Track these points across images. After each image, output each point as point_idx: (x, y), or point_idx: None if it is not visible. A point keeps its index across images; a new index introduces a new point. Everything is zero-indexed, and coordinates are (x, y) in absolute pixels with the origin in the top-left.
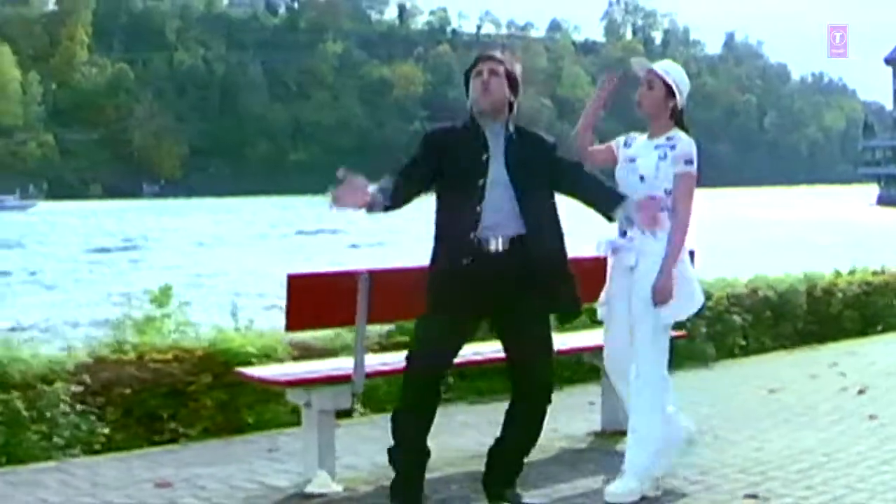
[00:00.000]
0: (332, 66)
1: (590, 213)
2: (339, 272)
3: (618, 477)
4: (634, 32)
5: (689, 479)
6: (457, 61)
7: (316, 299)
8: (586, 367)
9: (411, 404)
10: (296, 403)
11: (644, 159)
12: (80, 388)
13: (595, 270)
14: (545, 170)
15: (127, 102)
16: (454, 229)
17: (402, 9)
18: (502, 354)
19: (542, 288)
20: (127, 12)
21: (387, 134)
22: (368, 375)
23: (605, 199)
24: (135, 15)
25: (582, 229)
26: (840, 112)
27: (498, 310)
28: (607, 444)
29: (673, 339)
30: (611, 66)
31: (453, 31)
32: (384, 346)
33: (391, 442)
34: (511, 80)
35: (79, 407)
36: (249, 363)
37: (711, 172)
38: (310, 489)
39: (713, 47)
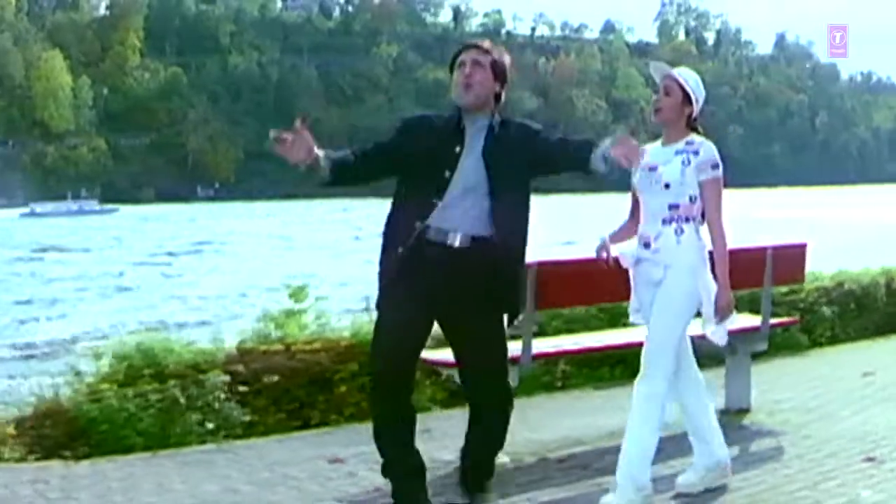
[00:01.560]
0: (386, 70)
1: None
2: None
3: (611, 491)
4: (687, 33)
5: (812, 448)
6: (512, 64)
7: None
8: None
9: (386, 417)
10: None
11: (666, 166)
12: (229, 378)
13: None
14: (526, 163)
15: (180, 106)
16: (404, 218)
17: (456, 11)
18: (620, 341)
19: (493, 290)
20: (180, 17)
21: None
22: (534, 357)
23: (578, 153)
24: (188, 19)
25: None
26: (889, 111)
27: (450, 310)
28: (734, 420)
29: (773, 327)
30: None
31: (508, 33)
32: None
33: (519, 425)
34: (497, 70)
35: (226, 395)
36: None
37: (766, 173)
38: None
39: (764, 47)
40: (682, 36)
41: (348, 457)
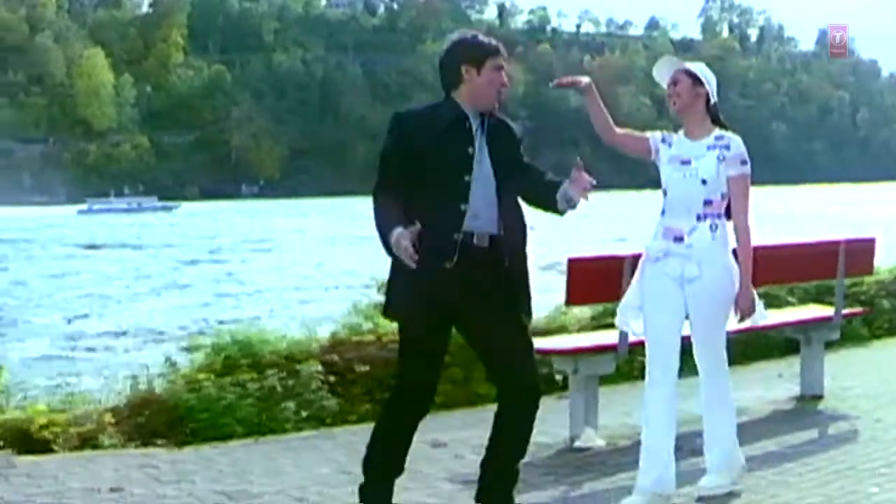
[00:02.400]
0: (432, 67)
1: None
2: (608, 256)
3: (706, 474)
4: (731, 29)
5: (885, 430)
6: (557, 61)
7: (590, 279)
8: (766, 343)
9: (402, 426)
10: (562, 370)
11: (702, 161)
12: (322, 367)
13: None
14: (516, 163)
15: (224, 104)
16: (436, 229)
17: (501, 8)
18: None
19: (514, 289)
20: (223, 14)
21: None
22: (631, 346)
23: (548, 191)
24: (231, 17)
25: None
26: None
27: (474, 312)
28: (809, 405)
29: (844, 317)
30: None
31: (553, 30)
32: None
33: (612, 411)
34: None
35: (320, 384)
36: None
37: (808, 170)
38: (578, 444)
39: (806, 44)
40: (725, 32)
41: (450, 441)
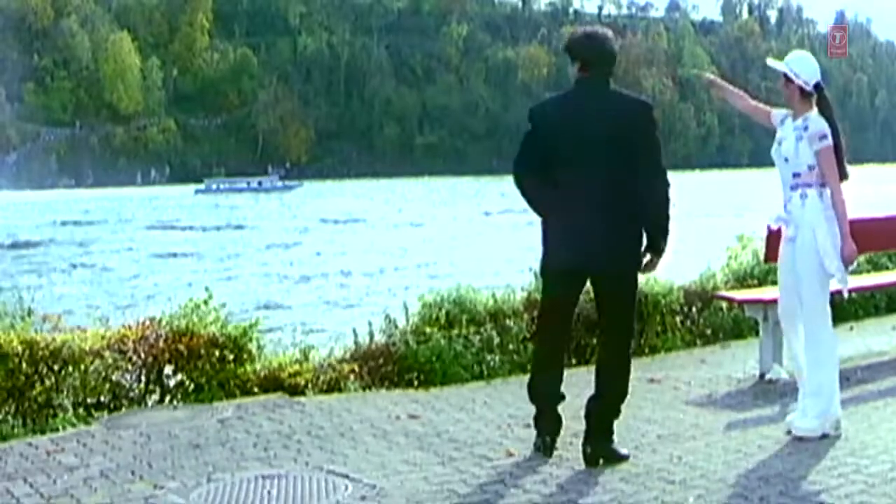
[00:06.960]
0: (457, 49)
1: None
2: None
3: (800, 412)
4: (750, 11)
5: None
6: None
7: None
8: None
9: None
10: (753, 316)
11: (786, 142)
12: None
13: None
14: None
15: (250, 87)
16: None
17: None
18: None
19: None
20: None
21: (513, 117)
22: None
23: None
24: (256, 0)
25: None
26: None
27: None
28: None
29: None
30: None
31: (575, 12)
32: None
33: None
34: None
35: (521, 337)
36: (657, 300)
37: None
38: (769, 377)
39: (825, 26)
40: (745, 14)
41: (662, 379)
